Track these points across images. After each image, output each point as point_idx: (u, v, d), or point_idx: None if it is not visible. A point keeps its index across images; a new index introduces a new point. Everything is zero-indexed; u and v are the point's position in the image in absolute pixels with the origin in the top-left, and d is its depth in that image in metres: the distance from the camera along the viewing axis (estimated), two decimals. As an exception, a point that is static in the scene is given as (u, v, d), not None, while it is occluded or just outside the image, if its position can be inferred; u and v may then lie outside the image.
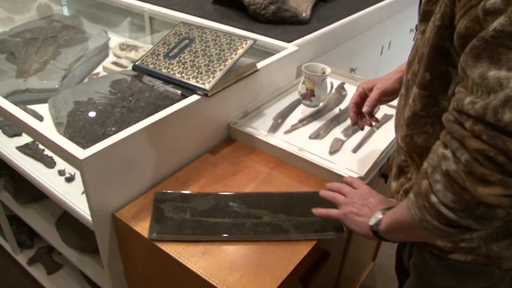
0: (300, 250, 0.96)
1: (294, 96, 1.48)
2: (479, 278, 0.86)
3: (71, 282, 1.64)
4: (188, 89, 1.17)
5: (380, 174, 1.22)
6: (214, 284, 0.89)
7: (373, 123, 1.14)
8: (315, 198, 1.09)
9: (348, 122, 1.34)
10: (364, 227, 0.85)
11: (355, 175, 1.11)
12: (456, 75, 0.69)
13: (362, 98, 1.12)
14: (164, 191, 1.10)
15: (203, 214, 1.03)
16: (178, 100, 1.14)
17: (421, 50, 0.75)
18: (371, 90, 1.10)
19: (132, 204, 1.07)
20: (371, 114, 1.12)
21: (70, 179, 1.19)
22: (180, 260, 0.94)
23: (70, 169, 1.21)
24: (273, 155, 1.24)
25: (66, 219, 1.43)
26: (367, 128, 1.25)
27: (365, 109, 1.09)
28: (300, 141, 1.26)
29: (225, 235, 0.98)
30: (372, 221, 0.83)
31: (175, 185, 1.13)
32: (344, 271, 1.38)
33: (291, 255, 0.95)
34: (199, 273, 0.91)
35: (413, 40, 0.82)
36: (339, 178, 1.11)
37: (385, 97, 1.09)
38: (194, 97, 1.14)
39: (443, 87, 0.72)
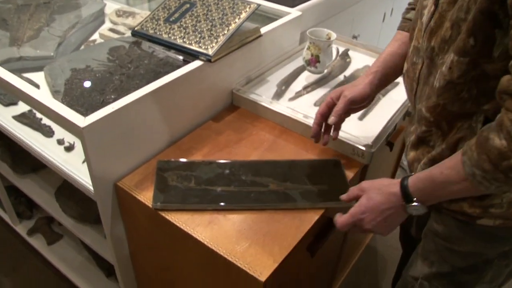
0: (307, 219, 0.95)
1: (298, 62, 1.45)
2: (506, 242, 0.86)
3: (72, 252, 1.63)
4: (190, 55, 1.13)
5: (386, 143, 1.19)
6: (221, 253, 0.87)
7: (335, 137, 1.06)
8: (321, 166, 1.08)
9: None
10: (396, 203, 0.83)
11: (363, 143, 1.08)
12: (502, 36, 0.67)
13: (329, 108, 1.02)
14: (167, 159, 1.07)
15: (208, 182, 1.01)
16: (179, 66, 1.10)
17: (457, 15, 0.72)
18: (339, 98, 1.01)
19: (134, 173, 1.05)
20: (339, 125, 1.05)
21: (69, 148, 1.17)
22: (185, 229, 0.92)
23: (69, 138, 1.18)
24: (277, 122, 1.21)
25: (65, 189, 1.41)
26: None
27: (330, 119, 1.00)
28: (305, 108, 1.23)
29: (231, 204, 0.97)
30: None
31: (178, 153, 1.11)
32: (348, 239, 1.38)
33: (298, 224, 0.94)
34: (205, 243, 0.89)
35: (434, 5, 0.79)
36: (345, 145, 1.10)
37: (354, 105, 1.01)
38: (197, 63, 1.11)
39: (487, 51, 0.70)
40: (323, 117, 1.04)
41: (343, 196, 0.95)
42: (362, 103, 1.02)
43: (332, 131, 1.05)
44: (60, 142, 1.19)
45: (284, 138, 1.17)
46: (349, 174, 1.06)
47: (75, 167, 1.11)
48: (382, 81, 1.02)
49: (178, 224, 0.93)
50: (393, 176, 1.70)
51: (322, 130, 1.07)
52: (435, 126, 0.83)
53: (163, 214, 0.95)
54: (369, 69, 1.03)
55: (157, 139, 1.09)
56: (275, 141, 1.16)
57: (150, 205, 0.96)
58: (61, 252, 1.64)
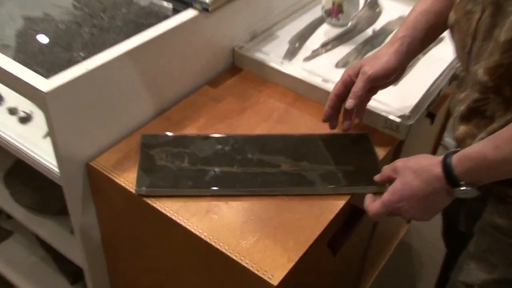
0: (329, 207, 0.97)
1: (315, 13, 1.46)
2: None
3: (24, 253, 1.64)
4: (182, 3, 1.15)
5: (427, 113, 1.22)
6: (223, 250, 0.89)
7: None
8: (345, 142, 1.11)
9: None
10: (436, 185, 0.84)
11: (398, 113, 1.11)
12: None
13: (346, 87, 1.04)
14: (154, 133, 1.09)
15: (205, 162, 1.03)
16: (167, 17, 1.12)
17: None
18: (357, 75, 1.02)
19: (112, 150, 1.07)
20: (363, 107, 1.07)
21: (25, 120, 1.19)
22: (178, 220, 0.94)
23: (24, 106, 1.20)
24: (289, 87, 1.24)
25: (18, 173, 1.43)
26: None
27: (348, 103, 1.02)
28: (324, 70, 1.26)
29: (234, 188, 0.99)
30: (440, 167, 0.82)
31: (167, 125, 1.13)
32: (377, 232, 1.41)
33: (318, 213, 0.96)
34: (203, 237, 0.91)
35: None
36: (375, 116, 1.12)
37: (378, 82, 1.03)
38: (190, 13, 1.12)
39: None
40: (339, 98, 1.06)
41: (377, 176, 0.98)
42: (387, 79, 1.03)
43: (354, 115, 1.08)
44: (12, 111, 1.20)
45: (298, 107, 1.20)
46: (380, 152, 1.09)
47: (33, 143, 1.12)
48: (413, 48, 1.02)
49: (168, 214, 0.95)
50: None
51: (341, 114, 1.09)
52: (493, 93, 0.82)
53: (149, 201, 0.97)
54: (395, 34, 1.03)
55: (141, 107, 1.11)
56: (287, 110, 1.19)
57: (132, 190, 0.98)
58: (10, 252, 1.64)
